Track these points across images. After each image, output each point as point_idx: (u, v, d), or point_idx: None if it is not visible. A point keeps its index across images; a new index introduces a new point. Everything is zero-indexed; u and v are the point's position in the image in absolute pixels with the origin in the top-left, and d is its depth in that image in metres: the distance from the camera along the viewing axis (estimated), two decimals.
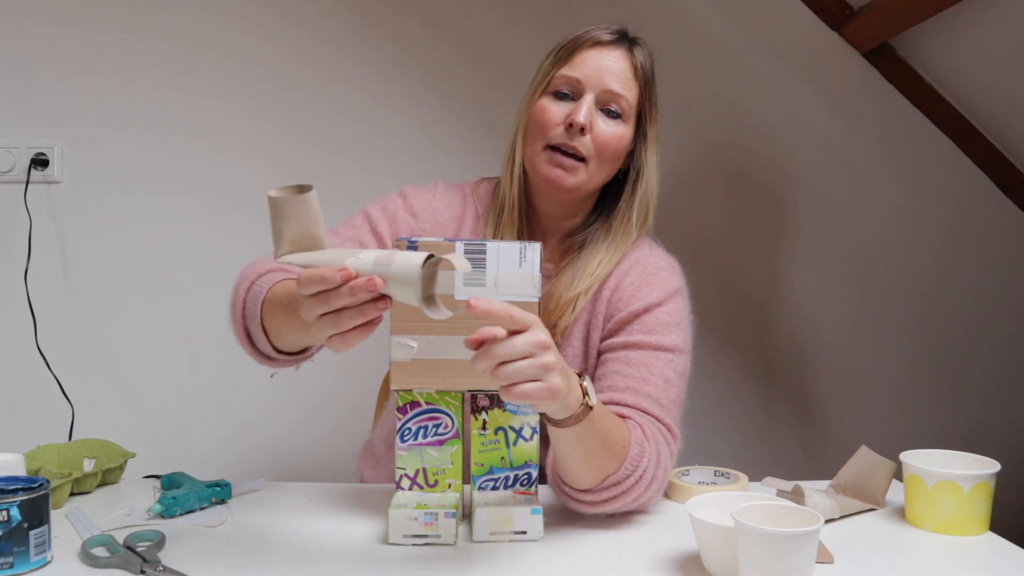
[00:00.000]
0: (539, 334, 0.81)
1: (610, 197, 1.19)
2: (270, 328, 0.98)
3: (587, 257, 1.15)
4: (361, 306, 0.78)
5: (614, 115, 1.11)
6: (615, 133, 1.11)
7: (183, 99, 1.89)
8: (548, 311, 1.13)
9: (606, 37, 1.12)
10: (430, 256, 0.77)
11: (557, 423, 0.90)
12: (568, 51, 1.12)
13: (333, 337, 0.80)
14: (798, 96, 2.01)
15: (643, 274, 1.14)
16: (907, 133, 2.04)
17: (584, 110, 1.08)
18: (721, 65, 1.99)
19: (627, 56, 1.12)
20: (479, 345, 0.81)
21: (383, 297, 0.78)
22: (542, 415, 0.92)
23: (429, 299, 0.79)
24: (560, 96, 1.12)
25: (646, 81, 1.14)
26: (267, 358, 1.03)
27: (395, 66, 1.93)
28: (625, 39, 1.14)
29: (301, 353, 1.03)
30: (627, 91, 1.11)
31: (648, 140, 1.16)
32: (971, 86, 1.94)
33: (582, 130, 1.08)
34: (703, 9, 1.97)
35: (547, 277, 1.17)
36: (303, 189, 0.80)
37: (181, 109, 1.89)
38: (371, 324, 0.80)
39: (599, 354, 1.14)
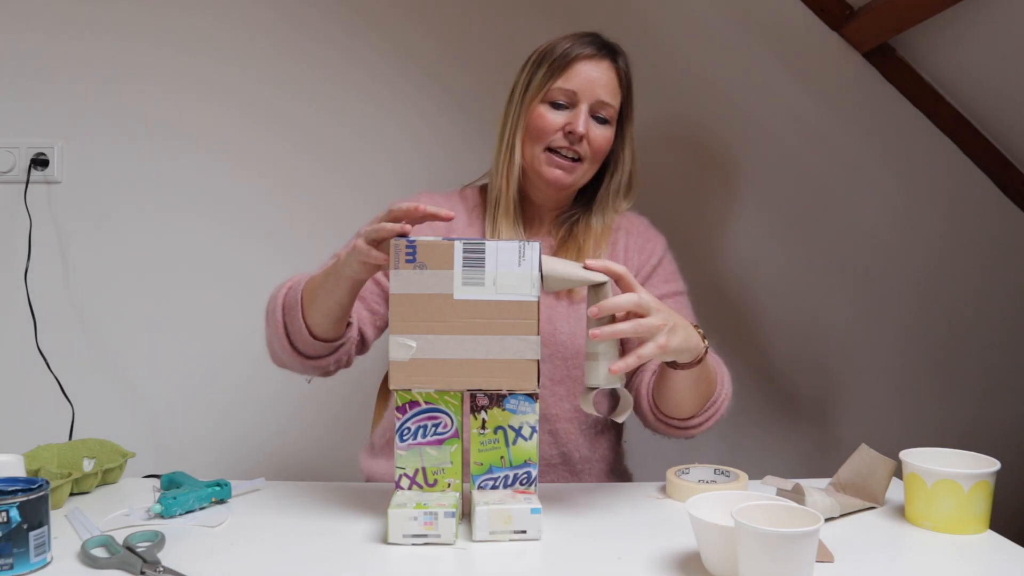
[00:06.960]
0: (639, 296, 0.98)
1: (588, 185, 1.35)
2: (307, 300, 1.11)
3: (584, 230, 1.32)
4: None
5: (603, 120, 1.27)
6: (606, 136, 1.28)
7: (183, 100, 1.89)
8: None
9: (591, 51, 1.27)
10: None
11: (683, 366, 1.08)
12: (561, 65, 1.26)
13: None
14: (798, 96, 2.01)
15: (639, 237, 1.36)
16: (907, 133, 2.04)
17: (582, 120, 1.24)
18: (720, 64, 1.98)
19: (613, 67, 1.28)
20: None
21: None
22: (665, 364, 1.10)
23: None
24: (556, 105, 1.26)
25: (628, 88, 1.31)
26: (304, 356, 1.15)
27: (396, 71, 1.92)
28: (607, 48, 1.28)
29: (335, 342, 1.15)
30: (614, 100, 1.28)
31: (625, 138, 1.33)
32: (971, 86, 1.94)
33: (581, 137, 1.24)
34: (702, 8, 1.96)
35: (548, 248, 1.33)
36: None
37: (181, 109, 1.89)
38: None
39: None
